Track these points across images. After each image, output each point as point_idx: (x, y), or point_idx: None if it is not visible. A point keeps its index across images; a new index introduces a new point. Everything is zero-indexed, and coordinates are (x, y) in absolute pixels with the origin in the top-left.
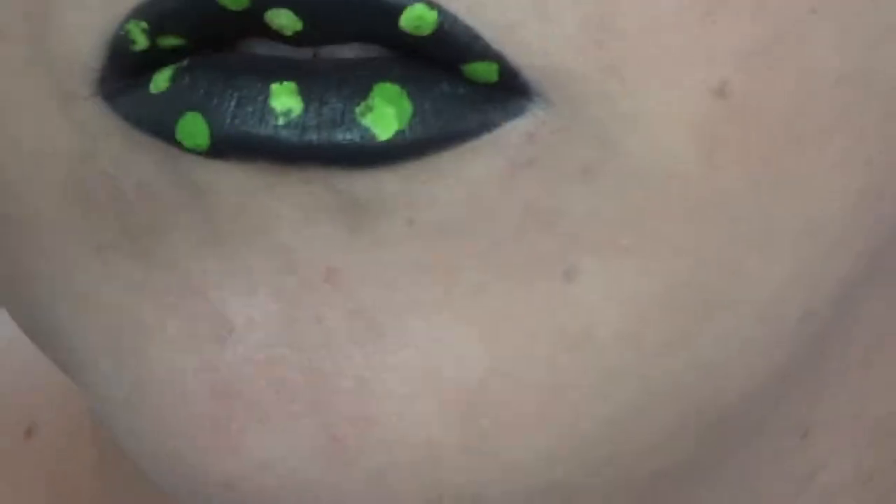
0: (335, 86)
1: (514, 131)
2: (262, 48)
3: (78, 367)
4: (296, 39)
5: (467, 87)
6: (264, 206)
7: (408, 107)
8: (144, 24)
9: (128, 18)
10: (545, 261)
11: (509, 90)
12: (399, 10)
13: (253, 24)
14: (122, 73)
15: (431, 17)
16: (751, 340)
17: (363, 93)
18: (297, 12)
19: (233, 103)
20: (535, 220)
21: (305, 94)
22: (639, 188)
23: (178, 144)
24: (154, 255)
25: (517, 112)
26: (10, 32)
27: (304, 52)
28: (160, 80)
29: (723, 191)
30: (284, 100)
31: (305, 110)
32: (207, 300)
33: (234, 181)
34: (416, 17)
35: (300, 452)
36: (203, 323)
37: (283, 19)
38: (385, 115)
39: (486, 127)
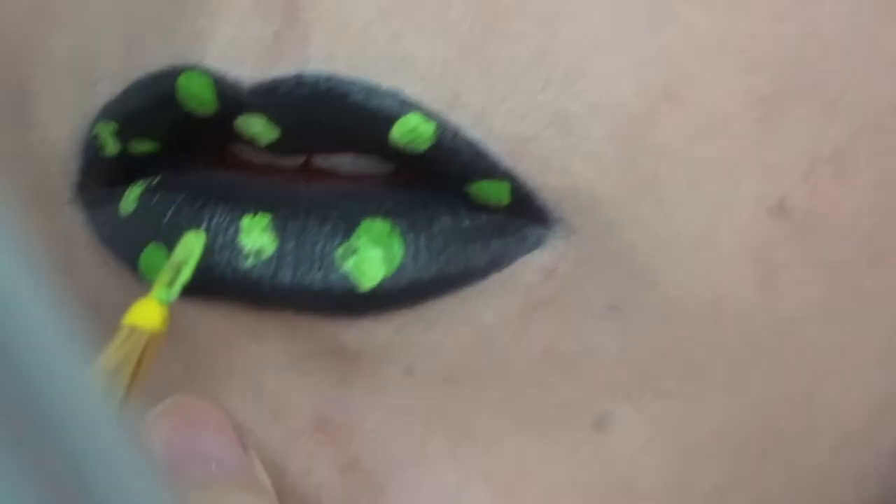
0: (315, 222)
1: (529, 267)
2: (249, 153)
3: None
4: (277, 148)
5: (474, 219)
6: (245, 348)
7: (398, 248)
8: (113, 126)
9: (97, 119)
10: (571, 409)
11: (523, 216)
12: (390, 122)
13: (227, 130)
14: (98, 179)
15: (428, 130)
16: (828, 477)
17: (347, 230)
18: (270, 120)
19: None
20: (558, 365)
21: (280, 230)
22: (679, 323)
23: (142, 277)
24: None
25: (533, 244)
26: None
27: (294, 160)
28: (129, 200)
29: (786, 318)
30: (256, 237)
31: (279, 250)
32: None
33: (207, 321)
34: (409, 131)
35: None
36: None
37: (257, 128)
38: (370, 259)
39: (495, 265)
